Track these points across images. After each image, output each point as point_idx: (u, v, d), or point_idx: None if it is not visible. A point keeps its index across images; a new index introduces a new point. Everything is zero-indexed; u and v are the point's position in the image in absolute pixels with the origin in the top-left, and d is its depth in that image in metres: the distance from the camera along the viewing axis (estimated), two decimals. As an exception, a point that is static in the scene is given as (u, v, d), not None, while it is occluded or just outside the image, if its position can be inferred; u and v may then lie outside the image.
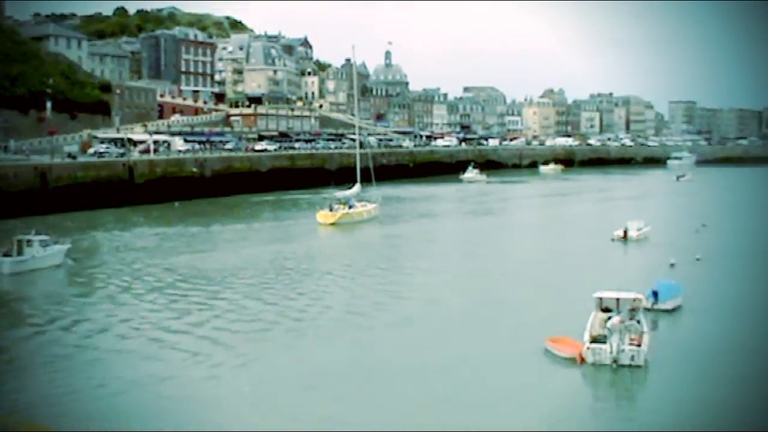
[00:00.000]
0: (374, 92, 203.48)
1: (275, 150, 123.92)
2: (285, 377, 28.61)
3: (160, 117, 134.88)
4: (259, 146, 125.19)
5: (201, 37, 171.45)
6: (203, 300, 40.95)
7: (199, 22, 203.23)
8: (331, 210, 74.11)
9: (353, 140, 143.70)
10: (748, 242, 63.05)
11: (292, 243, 64.03)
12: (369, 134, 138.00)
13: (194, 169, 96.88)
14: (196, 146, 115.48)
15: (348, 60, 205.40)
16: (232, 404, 25.92)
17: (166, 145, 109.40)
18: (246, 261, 53.45)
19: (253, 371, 29.25)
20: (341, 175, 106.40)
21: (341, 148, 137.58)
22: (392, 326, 36.36)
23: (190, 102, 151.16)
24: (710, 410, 25.51)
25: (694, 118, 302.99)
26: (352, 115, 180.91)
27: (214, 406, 25.73)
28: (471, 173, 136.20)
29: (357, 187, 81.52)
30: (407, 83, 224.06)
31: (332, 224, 71.72)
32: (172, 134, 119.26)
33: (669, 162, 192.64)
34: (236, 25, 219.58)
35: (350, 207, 75.69)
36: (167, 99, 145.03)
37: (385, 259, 57.24)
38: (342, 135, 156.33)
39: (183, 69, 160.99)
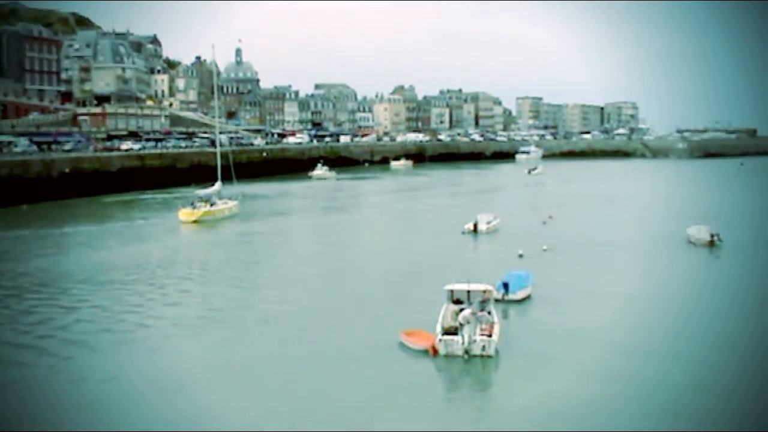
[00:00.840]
0: (225, 90, 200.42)
1: (140, 149, 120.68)
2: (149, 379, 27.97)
3: (4, 117, 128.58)
4: (125, 146, 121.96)
5: (46, 33, 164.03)
6: (64, 305, 39.31)
7: (43, 17, 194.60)
8: (193, 207, 74.14)
9: (204, 139, 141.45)
10: (592, 232, 64.96)
11: (155, 242, 62.65)
12: (221, 132, 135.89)
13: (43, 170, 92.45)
14: (44, 146, 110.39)
15: (198, 58, 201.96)
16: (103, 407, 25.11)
17: (11, 146, 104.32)
18: (109, 261, 51.90)
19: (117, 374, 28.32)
20: (194, 174, 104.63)
21: (192, 146, 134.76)
22: (252, 324, 35.89)
23: (35, 101, 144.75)
24: (558, 397, 25.90)
25: (541, 113, 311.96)
26: (203, 113, 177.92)
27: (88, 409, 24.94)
28: (320, 170, 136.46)
29: (218, 185, 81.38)
30: (258, 81, 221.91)
31: (195, 222, 71.97)
32: (17, 135, 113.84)
33: (517, 156, 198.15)
34: (83, 22, 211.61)
35: (212, 204, 76.39)
36: (11, 98, 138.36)
37: (246, 256, 56.90)
38: (193, 133, 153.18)
39: (27, 67, 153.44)
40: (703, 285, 45.63)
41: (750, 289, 43.71)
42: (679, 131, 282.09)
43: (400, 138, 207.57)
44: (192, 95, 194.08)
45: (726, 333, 33.92)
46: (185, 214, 72.95)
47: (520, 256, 51.32)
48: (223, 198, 79.92)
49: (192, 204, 74.95)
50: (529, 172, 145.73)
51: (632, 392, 26.40)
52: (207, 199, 76.88)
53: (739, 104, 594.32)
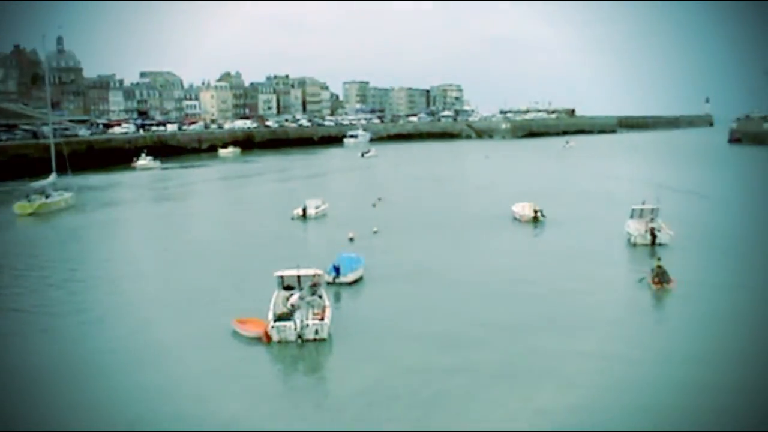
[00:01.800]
0: (47, 80, 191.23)
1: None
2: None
3: None
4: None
5: None
6: None
7: None
8: (28, 200, 72.47)
9: (26, 131, 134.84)
10: (422, 213, 66.20)
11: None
12: (43, 124, 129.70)
13: None
14: None
15: (17, 46, 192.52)
16: None
17: None
18: None
19: None
20: (17, 167, 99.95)
21: (14, 139, 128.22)
22: (87, 319, 34.53)
23: None
24: (392, 376, 26.28)
25: (368, 97, 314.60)
26: (24, 104, 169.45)
27: None
28: (144, 160, 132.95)
29: (53, 177, 79.35)
30: (81, 70, 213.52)
31: (30, 214, 70.31)
32: None
33: (345, 140, 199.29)
34: None
35: (47, 196, 74.60)
36: None
37: (82, 249, 54.76)
38: (15, 125, 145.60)
39: None
40: (524, 257, 47.47)
41: (565, 259, 46.07)
42: (502, 112, 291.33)
43: (227, 125, 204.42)
44: (11, 86, 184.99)
45: (543, 296, 36.09)
46: (20, 207, 71.18)
47: (351, 239, 51.70)
48: (59, 190, 77.99)
49: (27, 197, 73.00)
50: (362, 155, 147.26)
51: (466, 363, 27.16)
52: (42, 191, 74.99)
53: (559, 86, 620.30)
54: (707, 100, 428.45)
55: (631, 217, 52.65)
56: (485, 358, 27.64)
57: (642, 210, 52.64)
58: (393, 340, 30.12)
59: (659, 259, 40.27)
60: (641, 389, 24.58)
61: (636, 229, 50.77)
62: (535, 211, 60.38)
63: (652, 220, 51.36)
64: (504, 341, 29.67)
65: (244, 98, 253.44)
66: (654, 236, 49.50)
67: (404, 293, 37.82)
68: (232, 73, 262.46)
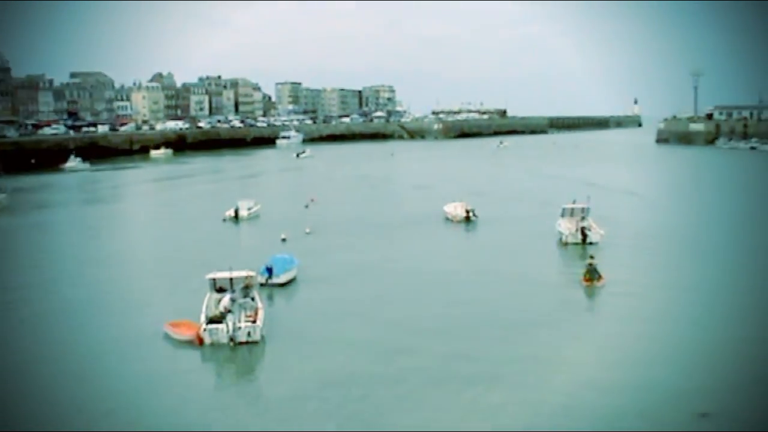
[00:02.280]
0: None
1: None
2: None
3: None
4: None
5: None
6: None
7: None
8: None
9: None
10: (355, 213, 66.24)
11: None
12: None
13: None
14: None
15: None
16: None
17: None
18: None
19: None
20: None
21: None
22: (15, 325, 33.79)
23: None
24: (325, 375, 26.22)
25: (300, 98, 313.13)
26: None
27: None
28: (73, 162, 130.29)
29: None
30: (9, 69, 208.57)
31: None
32: None
33: (278, 141, 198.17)
34: None
35: None
36: None
37: (11, 252, 53.20)
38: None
39: None
40: (457, 258, 47.74)
41: (497, 259, 46.73)
42: (434, 113, 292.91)
43: (159, 126, 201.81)
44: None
45: (476, 298, 36.29)
46: None
47: (284, 240, 51.47)
48: None
49: None
50: (298, 155, 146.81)
51: (397, 365, 27.14)
52: None
53: (491, 86, 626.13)
54: (636, 101, 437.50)
55: (562, 216, 53.28)
56: (415, 362, 27.61)
57: (573, 209, 53.31)
58: (325, 342, 29.98)
59: (591, 257, 41.05)
60: (568, 390, 24.89)
61: (567, 228, 51.41)
62: (467, 211, 60.80)
63: (582, 219, 52.05)
64: (436, 344, 29.66)
65: (176, 99, 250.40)
66: (584, 235, 50.18)
67: (337, 295, 37.75)
68: (164, 73, 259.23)
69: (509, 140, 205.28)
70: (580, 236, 50.25)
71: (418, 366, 27.07)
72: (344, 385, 25.25)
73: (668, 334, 30.76)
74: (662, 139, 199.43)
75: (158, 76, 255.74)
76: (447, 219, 61.30)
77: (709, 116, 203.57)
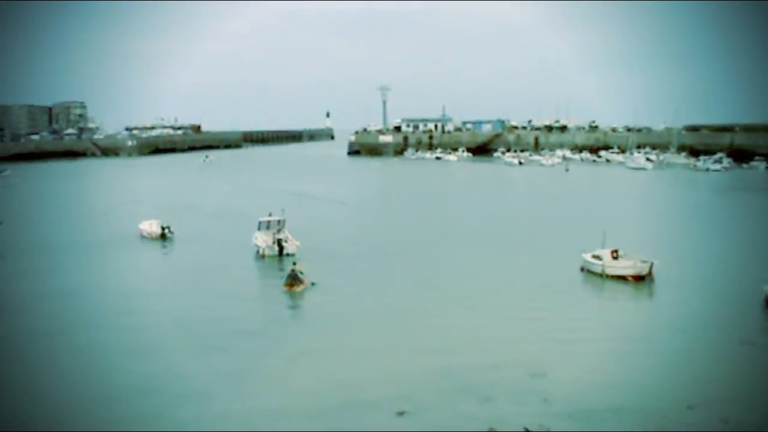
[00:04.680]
0: None
1: None
2: None
3: None
4: None
5: None
6: None
7: None
8: None
9: None
10: (45, 234, 63.70)
11: None
12: None
13: None
14: None
15: None
16: None
17: None
18: None
19: None
20: None
21: None
22: None
23: None
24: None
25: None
26: None
27: None
28: None
29: None
30: None
31: None
32: None
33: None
34: None
35: None
36: None
37: None
38: None
39: None
40: (152, 276, 47.50)
41: (194, 276, 46.88)
42: (127, 129, 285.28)
43: None
44: None
45: (171, 314, 36.63)
46: None
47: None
48: None
49: None
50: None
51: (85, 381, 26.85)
52: None
53: (185, 102, 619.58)
54: (328, 115, 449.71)
55: (259, 229, 54.40)
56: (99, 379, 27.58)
57: (269, 222, 54.58)
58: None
59: (294, 263, 43.17)
60: (265, 394, 26.06)
61: (264, 240, 52.56)
62: (163, 228, 60.40)
63: (278, 231, 53.48)
64: (134, 364, 29.69)
65: None
66: (281, 247, 51.61)
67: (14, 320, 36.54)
68: None
69: (216, 154, 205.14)
70: (276, 248, 51.62)
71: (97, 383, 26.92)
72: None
73: (365, 331, 33.23)
74: (354, 151, 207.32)
75: None
76: (143, 236, 60.55)
77: (398, 129, 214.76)
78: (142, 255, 54.97)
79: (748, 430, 22.82)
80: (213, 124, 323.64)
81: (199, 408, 24.84)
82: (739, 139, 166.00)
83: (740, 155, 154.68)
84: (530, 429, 22.58)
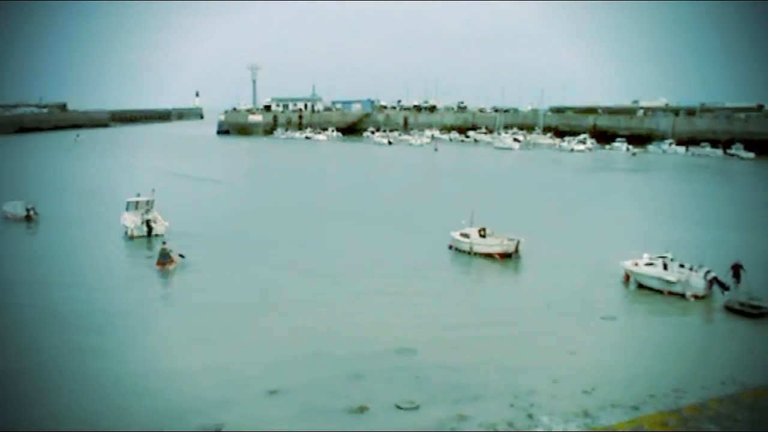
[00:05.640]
0: None
1: None
2: None
3: None
4: None
5: None
6: None
7: None
8: None
9: None
10: None
11: None
12: None
13: None
14: None
15: None
16: None
17: None
18: None
19: None
20: None
21: None
22: None
23: None
24: None
25: None
26: None
27: None
28: None
29: None
30: None
31: None
32: None
33: None
34: None
35: None
36: None
37: None
38: None
39: None
40: (17, 260, 46.14)
41: (63, 257, 46.36)
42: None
43: None
44: None
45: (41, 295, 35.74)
46: None
47: None
48: None
49: None
50: None
51: None
52: None
53: (51, 79, 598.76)
54: (197, 94, 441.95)
55: (127, 209, 53.65)
56: None
57: (137, 202, 53.89)
58: None
59: (164, 243, 43.49)
60: (135, 374, 26.22)
61: (132, 221, 51.93)
62: (27, 210, 58.74)
63: (147, 212, 52.97)
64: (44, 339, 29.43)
65: None
66: (150, 228, 51.20)
67: None
68: None
69: (87, 133, 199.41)
70: (145, 229, 51.20)
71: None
72: None
73: (230, 304, 33.75)
74: (223, 130, 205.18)
75: None
76: (6, 218, 58.84)
77: (267, 108, 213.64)
78: (4, 238, 53.40)
79: (608, 398, 24.23)
80: (79, 103, 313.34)
81: (74, 391, 24.83)
82: (602, 121, 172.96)
83: (603, 136, 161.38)
84: (401, 406, 23.43)
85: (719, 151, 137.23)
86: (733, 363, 27.38)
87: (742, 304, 34.71)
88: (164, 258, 41.64)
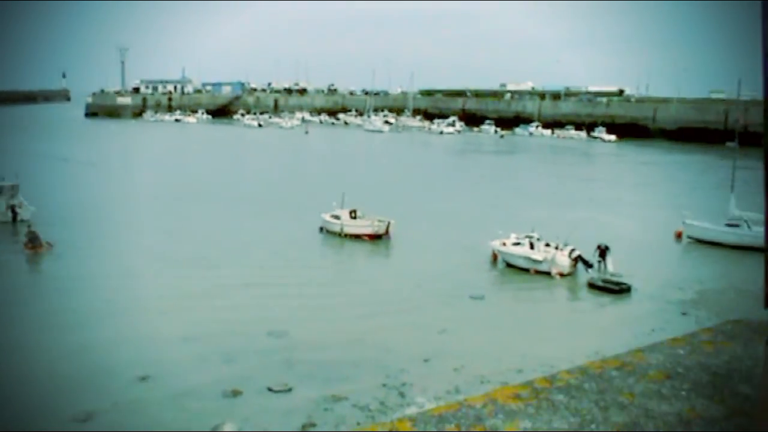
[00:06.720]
0: None
1: None
2: None
3: None
4: None
5: None
6: None
7: None
8: None
9: None
10: None
11: None
12: None
13: None
14: None
15: None
16: None
17: None
18: None
19: None
20: None
21: None
22: None
23: None
24: None
25: None
26: None
27: None
28: None
29: None
30: None
31: None
32: None
33: None
34: None
35: None
36: None
37: None
38: None
39: None
40: None
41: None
42: None
43: None
44: None
45: None
46: None
47: None
48: None
49: None
50: None
51: None
52: None
53: None
54: (64, 75, 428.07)
55: (-7, 196, 51.89)
56: None
57: (1, 188, 52.12)
58: None
59: (30, 226, 43.08)
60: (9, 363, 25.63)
61: (-6, 207, 50.36)
62: None
63: (12, 197, 51.30)
64: None
65: None
66: (15, 213, 49.70)
67: None
68: None
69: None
70: (10, 214, 49.66)
71: None
72: None
73: (96, 288, 33.09)
74: (91, 113, 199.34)
75: None
76: None
77: (136, 90, 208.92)
78: None
79: (478, 374, 24.96)
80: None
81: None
82: (470, 104, 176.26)
83: (472, 119, 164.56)
84: (274, 389, 23.64)
85: (583, 134, 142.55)
86: (597, 335, 28.70)
87: (604, 281, 36.50)
88: (34, 240, 40.78)
